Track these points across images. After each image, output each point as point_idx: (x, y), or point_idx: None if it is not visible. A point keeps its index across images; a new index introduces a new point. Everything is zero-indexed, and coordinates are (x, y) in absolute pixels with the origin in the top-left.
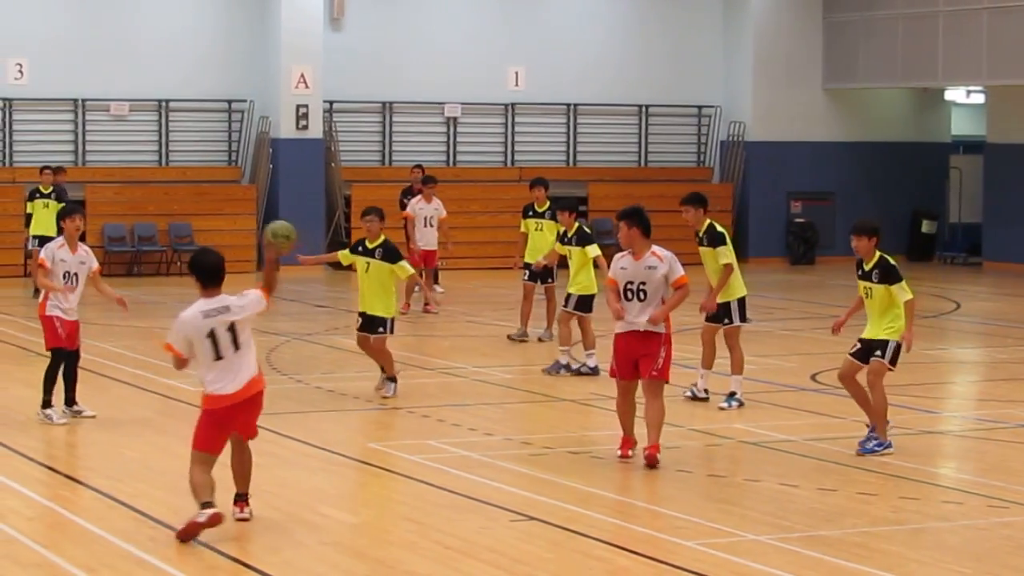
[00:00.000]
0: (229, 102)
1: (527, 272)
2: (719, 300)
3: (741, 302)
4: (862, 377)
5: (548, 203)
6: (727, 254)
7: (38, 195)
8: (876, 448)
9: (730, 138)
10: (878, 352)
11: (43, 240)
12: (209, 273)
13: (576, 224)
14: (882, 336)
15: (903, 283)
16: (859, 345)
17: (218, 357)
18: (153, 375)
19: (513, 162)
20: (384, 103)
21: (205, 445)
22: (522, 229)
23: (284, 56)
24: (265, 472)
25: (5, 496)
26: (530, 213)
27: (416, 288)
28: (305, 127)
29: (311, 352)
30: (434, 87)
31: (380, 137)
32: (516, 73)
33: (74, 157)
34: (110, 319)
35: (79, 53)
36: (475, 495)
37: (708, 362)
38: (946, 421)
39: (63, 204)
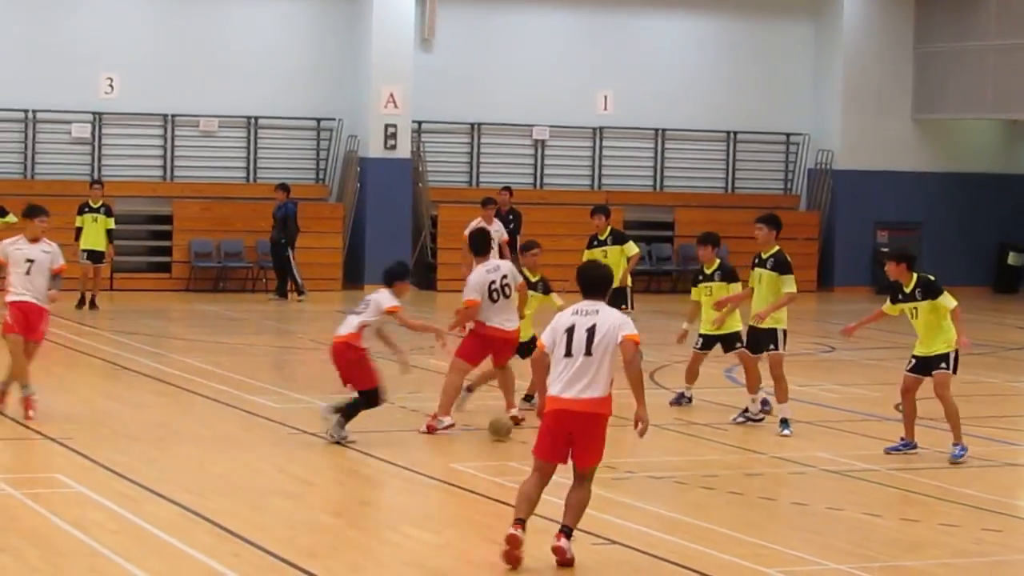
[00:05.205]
0: (318, 120)
1: None
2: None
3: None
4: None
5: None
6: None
7: (87, 209)
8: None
9: (818, 166)
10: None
11: (92, 254)
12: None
13: None
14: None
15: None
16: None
17: None
18: (237, 391)
19: (600, 186)
20: (472, 124)
21: None
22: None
23: (374, 75)
24: (348, 491)
25: (89, 509)
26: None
27: None
28: (393, 147)
29: (391, 372)
30: (522, 109)
31: (468, 158)
32: (605, 97)
33: (162, 172)
34: (196, 335)
35: (169, 69)
36: (557, 518)
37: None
38: None
39: (111, 219)
